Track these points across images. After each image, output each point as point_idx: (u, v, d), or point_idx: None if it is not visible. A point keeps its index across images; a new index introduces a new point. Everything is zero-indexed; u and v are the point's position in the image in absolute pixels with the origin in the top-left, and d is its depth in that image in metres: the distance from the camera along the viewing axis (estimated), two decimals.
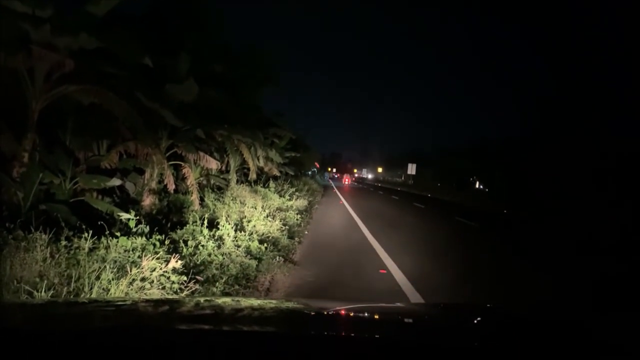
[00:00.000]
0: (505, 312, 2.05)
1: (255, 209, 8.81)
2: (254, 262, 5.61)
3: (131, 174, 8.50)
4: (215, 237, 6.13)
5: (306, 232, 9.86)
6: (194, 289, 3.98)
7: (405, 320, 1.77)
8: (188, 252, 5.17)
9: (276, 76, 15.68)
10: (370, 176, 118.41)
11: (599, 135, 27.22)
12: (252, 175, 12.98)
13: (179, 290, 3.87)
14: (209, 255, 5.27)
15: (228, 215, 7.64)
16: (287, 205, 11.79)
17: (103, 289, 3.52)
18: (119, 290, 3.49)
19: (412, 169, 55.02)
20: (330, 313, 1.83)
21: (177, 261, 4.17)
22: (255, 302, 2.61)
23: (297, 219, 10.37)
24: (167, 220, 6.87)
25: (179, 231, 6.10)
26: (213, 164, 10.10)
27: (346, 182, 66.16)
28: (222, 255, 5.38)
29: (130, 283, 3.63)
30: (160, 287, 3.78)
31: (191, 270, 4.41)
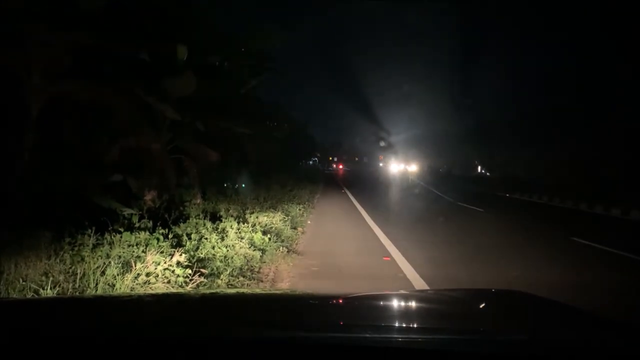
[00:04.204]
0: (514, 296, 2.05)
1: None
2: (257, 254, 5.62)
3: (132, 169, 8.48)
4: (219, 230, 6.13)
5: (309, 223, 9.89)
6: (198, 282, 3.99)
7: (413, 307, 1.78)
8: (192, 246, 5.17)
9: (273, 63, 15.08)
10: (397, 168, 61.24)
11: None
12: None
13: (183, 284, 3.88)
14: (213, 247, 5.27)
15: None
16: None
17: (108, 284, 3.53)
18: (124, 286, 3.51)
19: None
20: (336, 302, 1.84)
21: (181, 255, 4.18)
22: (260, 293, 2.62)
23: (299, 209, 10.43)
24: (169, 215, 6.88)
25: (181, 225, 6.11)
26: (214, 157, 10.08)
27: (340, 167, 76.03)
28: (226, 248, 5.38)
29: (135, 278, 3.65)
30: (165, 281, 3.79)
31: (195, 263, 4.41)
